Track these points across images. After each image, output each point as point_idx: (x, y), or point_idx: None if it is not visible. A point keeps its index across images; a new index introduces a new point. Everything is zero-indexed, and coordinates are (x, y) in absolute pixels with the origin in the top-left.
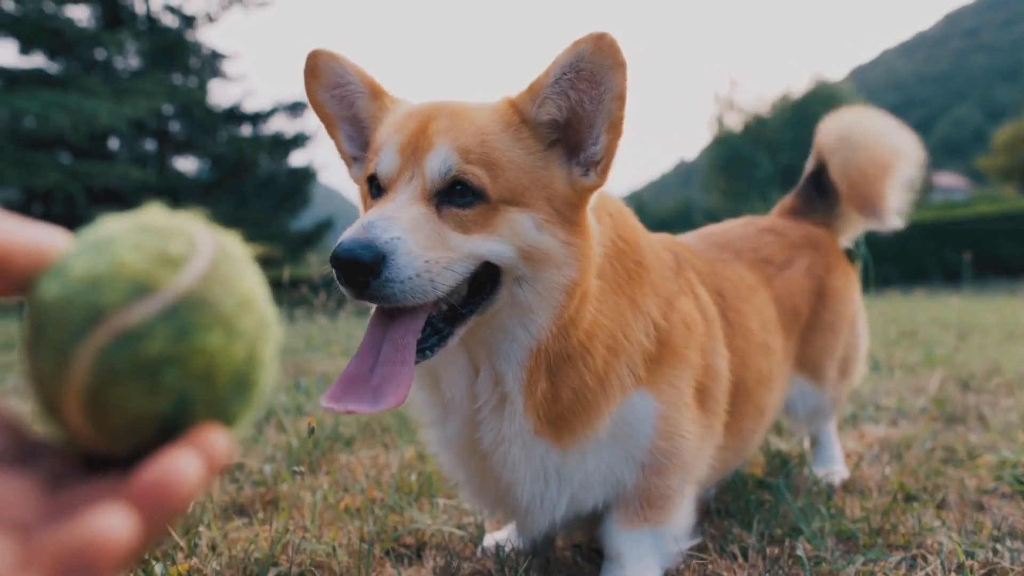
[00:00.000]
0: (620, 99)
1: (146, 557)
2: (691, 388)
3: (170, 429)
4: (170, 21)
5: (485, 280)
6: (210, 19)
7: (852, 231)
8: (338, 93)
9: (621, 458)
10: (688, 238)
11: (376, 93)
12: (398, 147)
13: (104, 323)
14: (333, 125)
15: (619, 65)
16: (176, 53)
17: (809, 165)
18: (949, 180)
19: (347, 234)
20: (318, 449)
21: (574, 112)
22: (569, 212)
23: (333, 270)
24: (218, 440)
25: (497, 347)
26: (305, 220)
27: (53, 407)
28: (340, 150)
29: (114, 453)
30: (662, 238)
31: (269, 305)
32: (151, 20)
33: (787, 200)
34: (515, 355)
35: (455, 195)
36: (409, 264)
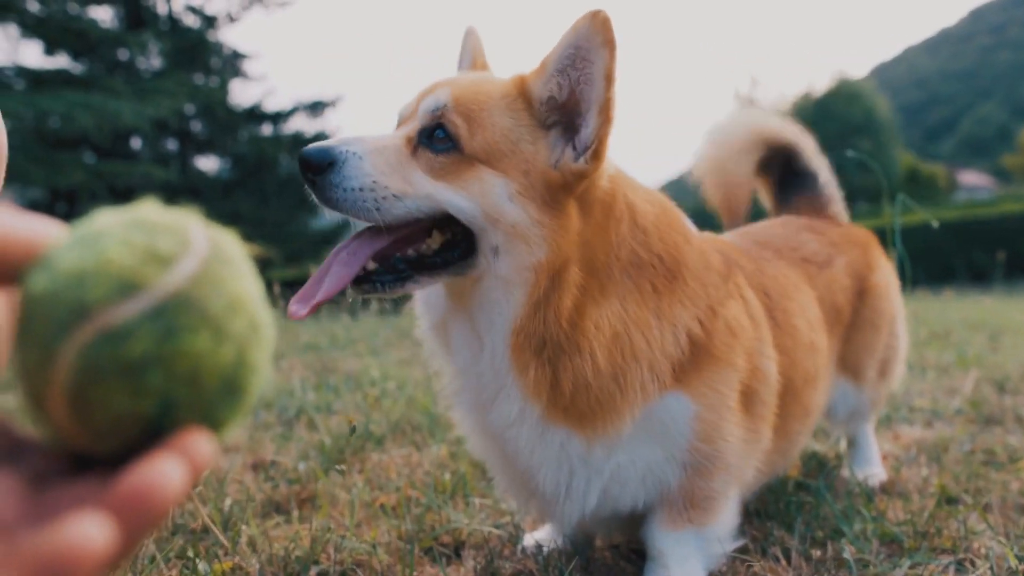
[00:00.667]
0: (608, 79)
1: (190, 555)
2: (735, 392)
3: (155, 430)
4: (192, 21)
5: (460, 239)
6: (231, 19)
7: None
8: (465, 66)
9: (660, 457)
10: (730, 237)
11: (474, 65)
12: (418, 93)
13: (88, 320)
14: None
15: (608, 43)
16: (198, 53)
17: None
18: (974, 179)
19: (315, 143)
20: (349, 447)
21: (572, 92)
22: (548, 192)
23: None
24: (202, 445)
25: (489, 318)
26: (325, 219)
27: (38, 402)
28: None
29: (99, 452)
30: (713, 239)
31: (263, 307)
32: (173, 21)
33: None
34: (501, 328)
35: (435, 140)
36: (355, 176)
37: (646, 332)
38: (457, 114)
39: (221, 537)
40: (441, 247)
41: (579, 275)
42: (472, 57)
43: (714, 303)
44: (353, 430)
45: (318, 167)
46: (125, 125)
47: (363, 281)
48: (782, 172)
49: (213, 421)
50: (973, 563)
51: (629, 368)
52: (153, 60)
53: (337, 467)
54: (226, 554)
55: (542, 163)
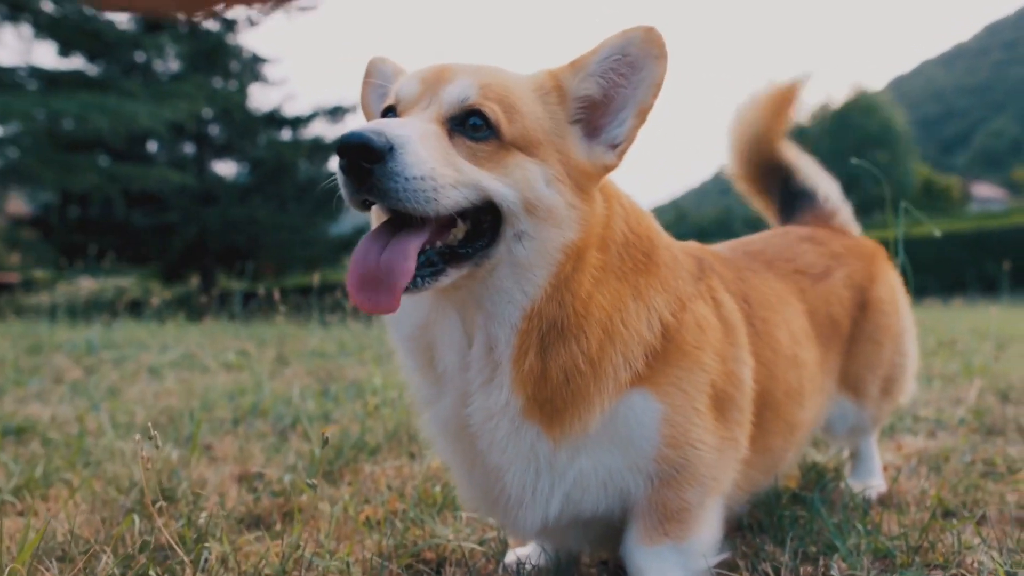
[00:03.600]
0: (656, 87)
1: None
2: (704, 395)
3: None
4: (211, 25)
5: (486, 227)
6: (251, 23)
7: None
8: (381, 91)
9: (621, 464)
10: (718, 247)
11: (399, 75)
12: (420, 78)
13: None
14: (371, 118)
15: (662, 56)
16: (216, 57)
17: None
18: (987, 191)
19: (357, 126)
20: (341, 458)
21: (607, 94)
22: (581, 179)
23: (337, 159)
24: None
25: (492, 309)
26: (344, 225)
27: None
28: None
29: None
30: (688, 245)
31: None
32: (191, 23)
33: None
34: (509, 317)
35: (469, 128)
36: (416, 163)
37: (623, 311)
38: (492, 101)
39: (182, 554)
40: (466, 237)
41: (596, 256)
42: (396, 75)
43: (684, 297)
44: (325, 442)
45: (379, 154)
46: (141, 127)
47: None
48: (782, 192)
49: None
50: None
51: (606, 351)
52: (171, 63)
53: (309, 482)
54: (193, 573)
55: (573, 152)
